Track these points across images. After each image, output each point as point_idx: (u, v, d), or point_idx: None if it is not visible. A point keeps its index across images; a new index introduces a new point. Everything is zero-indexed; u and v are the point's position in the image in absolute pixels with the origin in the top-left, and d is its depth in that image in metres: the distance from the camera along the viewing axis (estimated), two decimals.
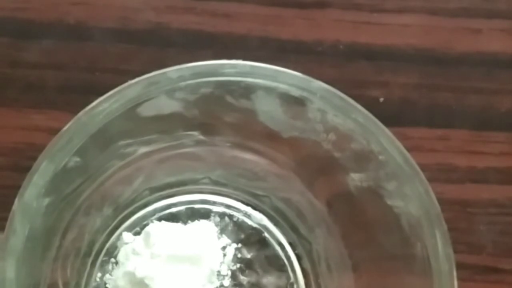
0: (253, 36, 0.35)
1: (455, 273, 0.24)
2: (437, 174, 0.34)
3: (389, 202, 0.25)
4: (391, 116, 0.35)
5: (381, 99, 0.35)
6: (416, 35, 0.36)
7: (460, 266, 0.32)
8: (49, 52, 0.35)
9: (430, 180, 0.34)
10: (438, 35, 0.36)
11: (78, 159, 0.24)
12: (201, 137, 0.28)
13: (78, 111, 0.33)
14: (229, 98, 0.25)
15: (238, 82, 0.24)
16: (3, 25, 0.35)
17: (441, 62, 0.36)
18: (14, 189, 0.32)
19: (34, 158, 0.33)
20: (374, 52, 0.36)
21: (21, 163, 0.33)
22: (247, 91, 0.25)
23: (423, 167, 0.34)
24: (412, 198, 0.24)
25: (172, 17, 0.35)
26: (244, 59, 0.35)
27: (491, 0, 0.37)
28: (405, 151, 0.24)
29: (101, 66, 0.35)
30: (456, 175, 0.34)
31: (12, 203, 0.30)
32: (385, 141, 0.24)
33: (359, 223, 0.28)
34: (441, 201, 0.34)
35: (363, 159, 0.25)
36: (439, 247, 0.24)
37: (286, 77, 0.24)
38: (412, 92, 0.35)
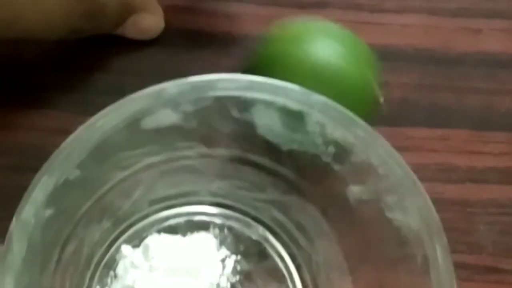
0: (253, 36, 0.35)
1: (455, 286, 0.24)
2: (437, 174, 0.34)
3: (389, 215, 0.25)
4: (391, 116, 0.35)
5: (381, 99, 0.35)
6: (416, 35, 0.36)
7: (460, 266, 0.32)
8: (49, 52, 0.35)
9: (430, 180, 0.34)
10: (438, 35, 0.36)
11: (77, 173, 0.23)
12: (200, 149, 0.28)
13: (78, 111, 0.33)
14: (228, 111, 0.25)
15: (237, 97, 0.24)
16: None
17: (441, 62, 0.36)
18: (14, 189, 0.32)
19: (34, 158, 0.33)
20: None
21: (21, 163, 0.33)
22: (246, 105, 0.25)
23: (423, 167, 0.35)
24: (412, 211, 0.24)
25: (172, 17, 0.35)
26: (244, 58, 0.35)
27: (491, 0, 0.37)
28: (404, 165, 0.24)
29: (101, 66, 0.35)
30: (456, 175, 0.34)
31: (12, 203, 0.30)
32: (384, 154, 0.24)
33: (359, 235, 0.28)
34: (441, 201, 0.34)
35: (363, 172, 0.25)
36: (439, 260, 0.24)
37: (285, 91, 0.24)
38: (412, 92, 0.35)
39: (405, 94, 0.35)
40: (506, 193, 0.35)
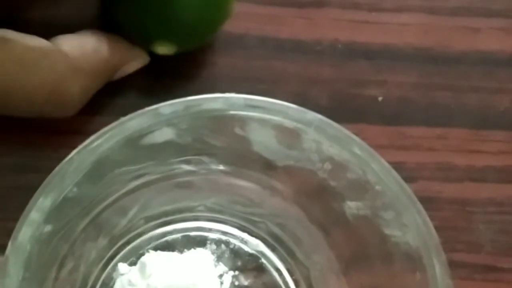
0: (252, 35, 0.35)
1: None
2: (436, 173, 0.34)
3: (386, 231, 0.25)
4: (390, 115, 0.35)
5: (380, 98, 0.35)
6: (415, 34, 0.36)
7: (459, 265, 0.32)
8: None
9: (429, 179, 0.34)
10: (436, 34, 0.36)
11: (74, 191, 0.23)
12: (196, 164, 0.28)
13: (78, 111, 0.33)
14: (222, 128, 0.25)
15: (232, 115, 0.24)
16: (2, 25, 0.35)
17: (439, 61, 0.36)
18: (12, 189, 0.32)
19: (32, 158, 0.33)
20: (372, 51, 0.36)
21: (20, 163, 0.33)
22: (241, 123, 0.25)
23: (422, 166, 0.35)
24: (410, 228, 0.24)
25: None
26: (243, 58, 0.35)
27: None
28: (402, 181, 0.24)
29: None
30: (455, 174, 0.34)
31: (10, 203, 0.30)
32: (381, 171, 0.24)
33: (357, 250, 0.28)
34: (440, 200, 0.34)
35: (360, 188, 0.25)
36: (437, 277, 0.24)
37: (280, 109, 0.24)
38: (410, 91, 0.35)
39: (403, 93, 0.35)
40: (505, 192, 0.35)
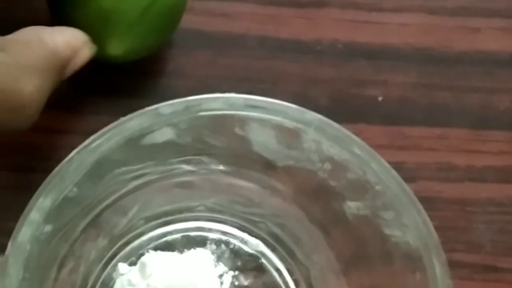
0: (252, 35, 0.35)
1: None
2: (436, 173, 0.34)
3: (386, 231, 0.25)
4: (390, 115, 0.35)
5: (380, 98, 0.35)
6: (415, 34, 0.36)
7: (459, 265, 0.32)
8: None
9: (429, 179, 0.34)
10: (436, 34, 0.36)
11: (74, 191, 0.23)
12: (196, 164, 0.28)
13: (75, 110, 0.33)
14: (222, 128, 0.25)
15: (232, 116, 0.24)
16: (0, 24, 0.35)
17: (439, 61, 0.36)
18: (12, 189, 0.32)
19: (32, 158, 0.33)
20: (372, 51, 0.36)
21: (19, 163, 0.33)
22: (241, 123, 0.25)
23: (422, 166, 0.35)
24: (410, 228, 0.24)
25: None
26: (243, 58, 0.35)
27: None
28: (402, 181, 0.24)
29: (99, 66, 0.35)
30: (455, 174, 0.34)
31: (10, 203, 0.30)
32: (381, 171, 0.24)
33: (357, 250, 0.28)
34: (440, 200, 0.34)
35: (359, 188, 0.25)
36: (437, 277, 0.24)
37: (280, 109, 0.24)
38: (410, 91, 0.35)
39: (403, 93, 0.35)
40: (504, 192, 0.35)
